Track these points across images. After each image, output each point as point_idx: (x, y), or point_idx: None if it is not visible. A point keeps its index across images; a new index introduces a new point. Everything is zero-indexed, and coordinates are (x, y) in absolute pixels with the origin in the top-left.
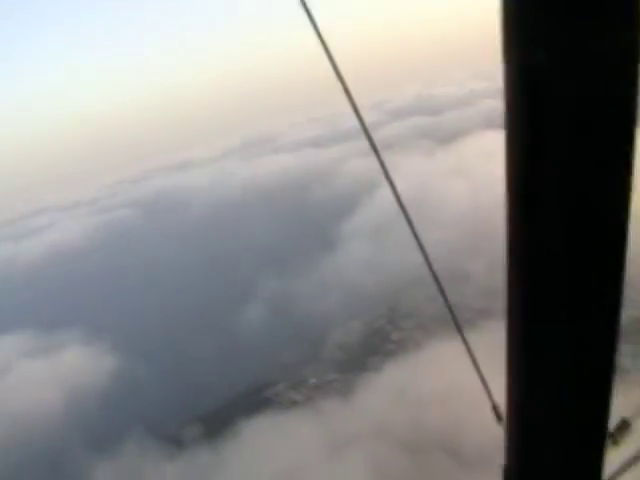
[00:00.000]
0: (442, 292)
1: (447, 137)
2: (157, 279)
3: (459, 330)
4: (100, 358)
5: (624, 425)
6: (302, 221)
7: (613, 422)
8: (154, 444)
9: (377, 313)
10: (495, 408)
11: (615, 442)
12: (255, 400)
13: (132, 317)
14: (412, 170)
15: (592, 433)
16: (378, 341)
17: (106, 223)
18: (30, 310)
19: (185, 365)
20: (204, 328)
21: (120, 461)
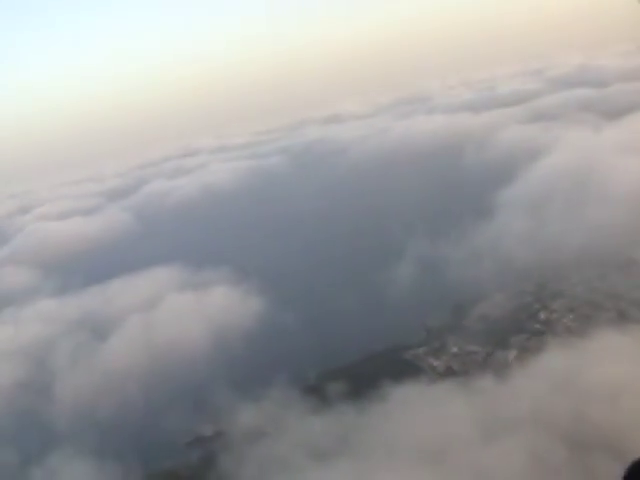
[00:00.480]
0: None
1: (614, 112)
2: (305, 227)
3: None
4: (247, 299)
5: None
6: (455, 185)
7: None
8: (297, 394)
9: (525, 289)
10: None
11: None
12: (395, 360)
13: (279, 262)
14: (577, 144)
15: None
16: (524, 318)
17: (257, 168)
18: (181, 246)
19: (329, 315)
20: (350, 280)
21: (264, 407)
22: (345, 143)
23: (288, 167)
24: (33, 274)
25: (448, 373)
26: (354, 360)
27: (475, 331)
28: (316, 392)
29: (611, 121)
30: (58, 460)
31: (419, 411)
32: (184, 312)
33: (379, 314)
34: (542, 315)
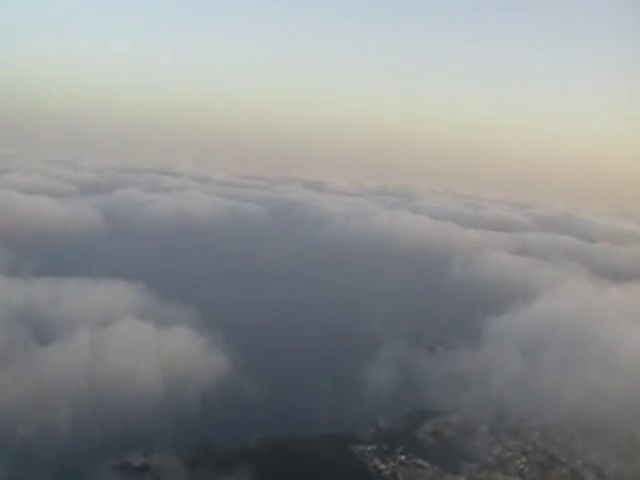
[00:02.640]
0: None
1: (607, 270)
2: (279, 289)
3: None
4: (209, 352)
5: None
6: (439, 295)
7: None
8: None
9: (484, 418)
10: None
11: None
12: (339, 449)
13: (246, 318)
14: (574, 294)
15: None
16: (478, 447)
17: (236, 211)
18: (147, 265)
19: (287, 387)
20: (315, 358)
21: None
22: (328, 214)
23: (267, 220)
24: None
25: None
26: (300, 436)
27: (426, 445)
28: (251, 456)
29: (605, 279)
30: None
31: None
32: (138, 342)
33: (336, 399)
34: (496, 450)
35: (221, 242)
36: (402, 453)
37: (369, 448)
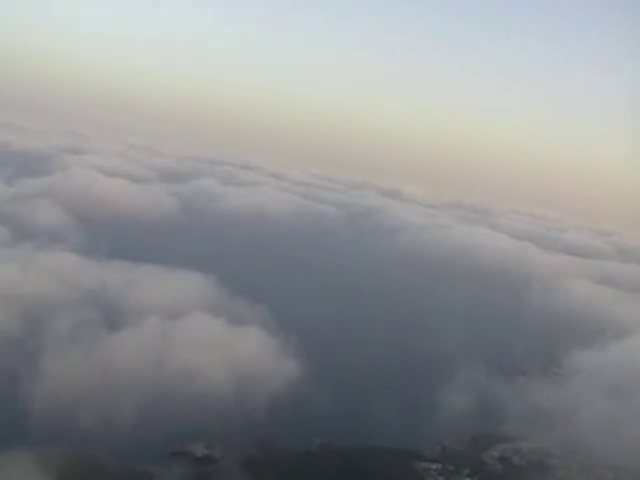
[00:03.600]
0: None
1: None
2: (356, 295)
3: None
4: (281, 356)
5: None
6: (517, 321)
7: None
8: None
9: (552, 451)
10: None
11: None
12: (403, 464)
13: (318, 324)
14: None
15: None
16: None
17: (312, 211)
18: (221, 258)
19: (357, 397)
20: (387, 371)
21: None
22: (403, 224)
23: (343, 225)
24: (63, 218)
25: None
26: (363, 447)
27: (492, 470)
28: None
29: None
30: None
31: None
32: (208, 339)
33: (403, 414)
34: None
35: (295, 242)
36: (468, 475)
37: (434, 466)
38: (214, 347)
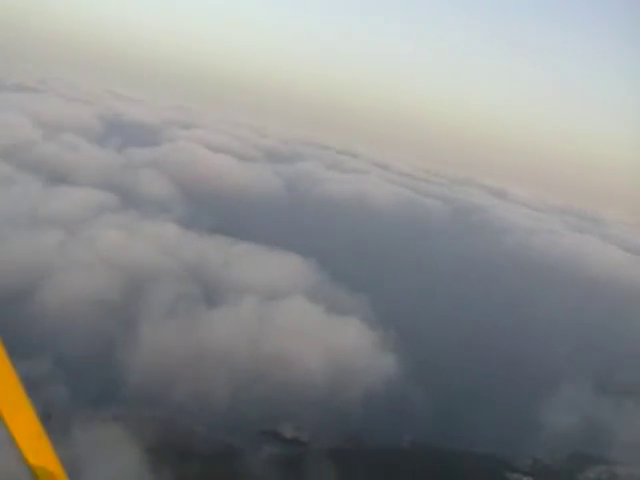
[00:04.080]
0: None
1: None
2: (458, 296)
3: None
4: (380, 351)
5: None
6: (630, 338)
7: None
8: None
9: None
10: None
11: None
12: (494, 473)
13: (422, 322)
14: None
15: None
16: None
17: (417, 204)
18: (322, 244)
19: (454, 398)
20: (490, 375)
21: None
22: (509, 225)
23: (447, 220)
24: (168, 190)
25: None
26: (455, 449)
27: None
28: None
29: None
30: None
31: None
32: (305, 325)
33: (499, 422)
34: None
35: (398, 233)
36: None
37: (525, 479)
38: (311, 334)
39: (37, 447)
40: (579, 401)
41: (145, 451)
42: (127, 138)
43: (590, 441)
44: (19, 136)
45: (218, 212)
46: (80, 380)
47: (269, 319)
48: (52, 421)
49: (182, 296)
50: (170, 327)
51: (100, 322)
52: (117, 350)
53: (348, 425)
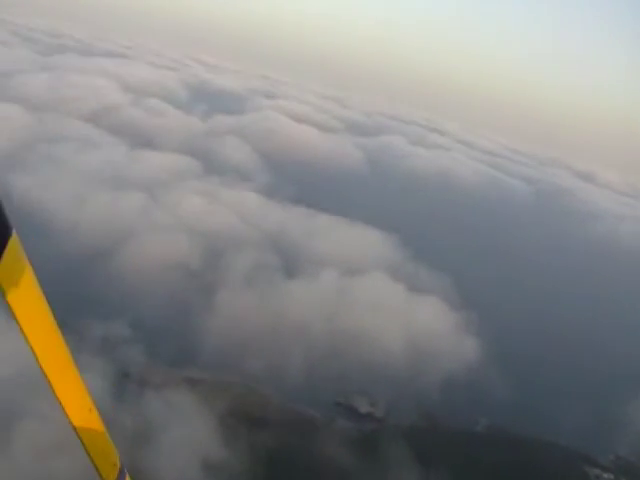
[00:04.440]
0: None
1: None
2: (544, 285)
3: None
4: (460, 333)
5: None
6: None
7: None
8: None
9: None
10: None
11: None
12: (573, 466)
13: (505, 306)
14: None
15: None
16: None
17: (500, 183)
18: (402, 220)
19: (534, 387)
20: (577, 376)
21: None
22: (597, 210)
23: (532, 201)
24: (251, 158)
25: None
26: (533, 438)
27: None
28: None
29: None
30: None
31: None
32: (385, 302)
33: (581, 415)
34: None
35: (482, 213)
36: None
37: (606, 475)
38: (391, 312)
39: (88, 420)
40: None
41: (219, 417)
42: (212, 105)
43: None
44: (107, 100)
45: (299, 183)
46: (157, 342)
47: (347, 294)
48: (129, 380)
49: (260, 265)
50: (247, 296)
51: (179, 287)
52: (195, 315)
53: (424, 404)
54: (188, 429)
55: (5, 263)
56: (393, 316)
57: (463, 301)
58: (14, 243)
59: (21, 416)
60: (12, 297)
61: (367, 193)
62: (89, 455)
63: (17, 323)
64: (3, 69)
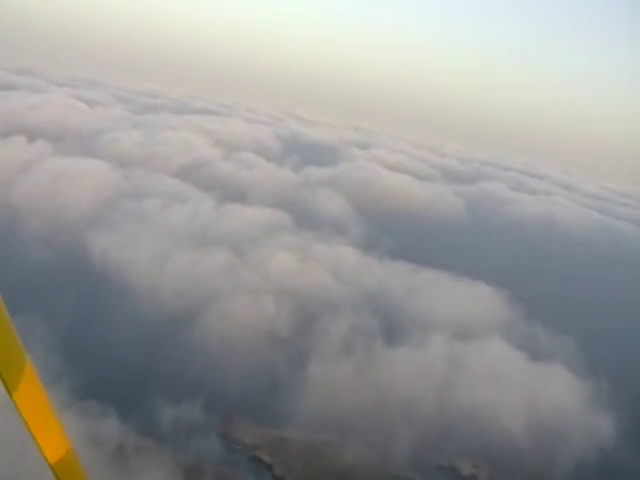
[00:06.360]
0: None
1: None
2: None
3: None
4: (591, 406)
5: None
6: None
7: None
8: None
9: None
10: None
11: None
12: None
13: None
14: None
15: None
16: None
17: (608, 227)
18: (514, 273)
19: None
20: None
21: None
22: None
23: None
24: (345, 210)
25: None
26: None
27: None
28: None
29: None
30: None
31: None
32: (502, 372)
33: None
34: None
35: (594, 259)
36: None
37: None
38: (509, 385)
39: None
40: None
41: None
42: (305, 157)
43: None
44: (197, 155)
45: (397, 235)
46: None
47: (459, 363)
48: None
49: (358, 330)
50: (343, 366)
51: (266, 355)
52: (283, 388)
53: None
54: None
55: None
56: (513, 389)
57: (589, 366)
58: None
59: None
60: None
61: (470, 244)
62: None
63: None
64: (96, 127)
